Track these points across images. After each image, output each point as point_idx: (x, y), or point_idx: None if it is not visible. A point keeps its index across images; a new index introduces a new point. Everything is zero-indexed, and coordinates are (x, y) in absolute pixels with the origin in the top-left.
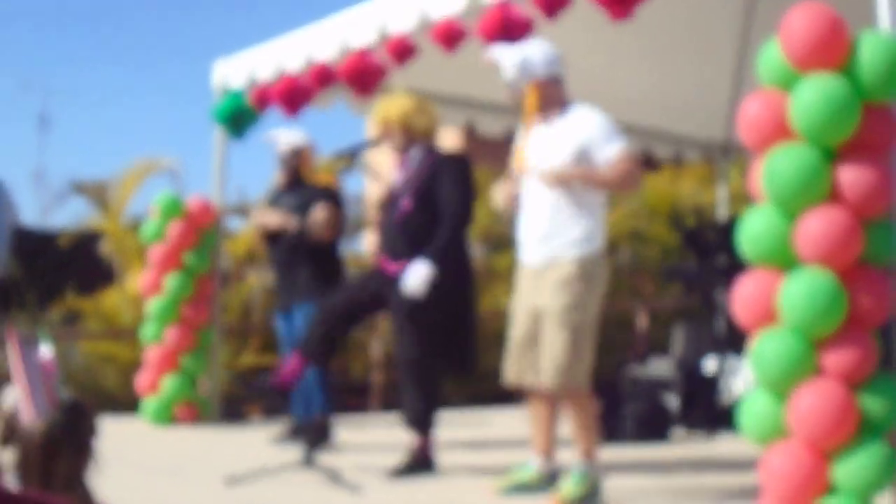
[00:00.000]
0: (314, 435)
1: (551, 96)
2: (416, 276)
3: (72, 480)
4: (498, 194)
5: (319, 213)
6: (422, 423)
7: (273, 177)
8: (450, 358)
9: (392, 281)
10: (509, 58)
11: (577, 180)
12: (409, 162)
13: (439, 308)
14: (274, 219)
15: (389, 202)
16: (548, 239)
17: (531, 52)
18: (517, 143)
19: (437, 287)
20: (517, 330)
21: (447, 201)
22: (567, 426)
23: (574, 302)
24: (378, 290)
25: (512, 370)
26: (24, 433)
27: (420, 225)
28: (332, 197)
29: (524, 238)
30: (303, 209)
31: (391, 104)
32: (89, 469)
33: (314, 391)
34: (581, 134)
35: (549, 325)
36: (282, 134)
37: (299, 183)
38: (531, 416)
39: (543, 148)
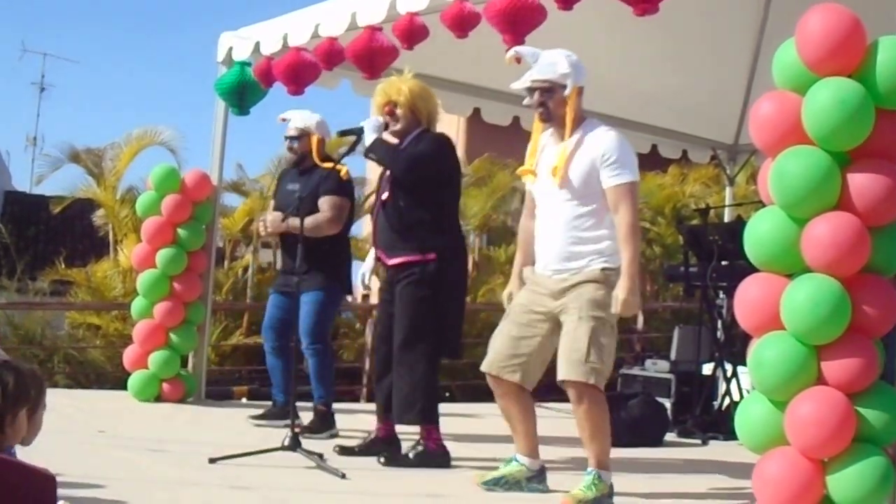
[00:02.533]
0: (317, 424)
1: (580, 106)
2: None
3: None
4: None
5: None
6: (431, 413)
7: (283, 156)
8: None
9: (394, 273)
10: (554, 57)
11: (636, 290)
12: (404, 146)
13: (440, 296)
14: (278, 227)
15: (378, 190)
16: (570, 251)
17: (574, 57)
18: (535, 147)
19: (438, 277)
20: (513, 324)
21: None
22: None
23: (599, 300)
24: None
25: (495, 362)
26: None
27: (401, 211)
28: (340, 189)
29: (541, 247)
30: (308, 197)
31: (400, 86)
32: (5, 434)
33: (314, 381)
34: (593, 152)
35: (571, 318)
36: (296, 115)
37: (308, 167)
38: (506, 417)
39: (557, 161)
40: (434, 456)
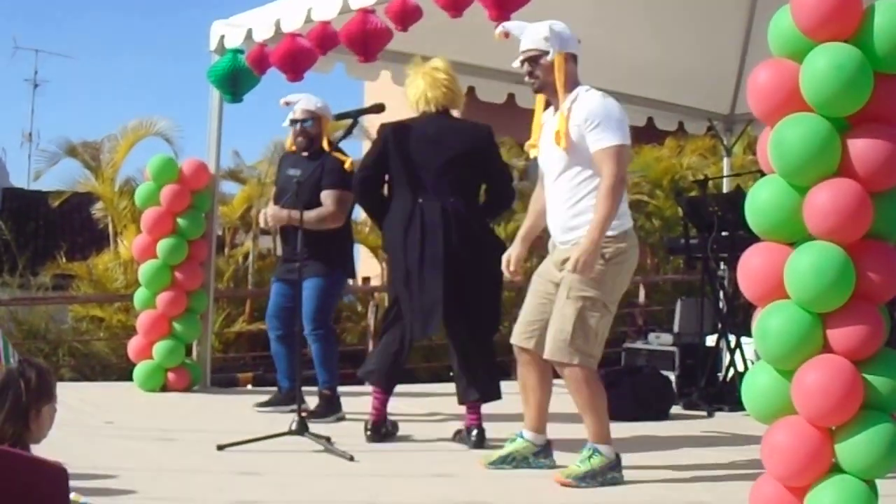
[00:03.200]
0: (322, 408)
1: (572, 74)
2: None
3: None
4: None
5: (314, 216)
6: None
7: (280, 142)
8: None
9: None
10: (533, 26)
11: (595, 252)
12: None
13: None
14: (281, 220)
15: None
16: (569, 223)
17: (555, 23)
18: (538, 121)
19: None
20: (531, 294)
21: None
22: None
23: (590, 277)
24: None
25: (516, 332)
26: None
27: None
28: (343, 182)
29: (549, 218)
30: (308, 183)
31: (451, 82)
32: (27, 434)
33: (318, 366)
34: (579, 116)
35: (561, 296)
36: (303, 98)
37: (314, 152)
38: (521, 386)
39: (551, 131)
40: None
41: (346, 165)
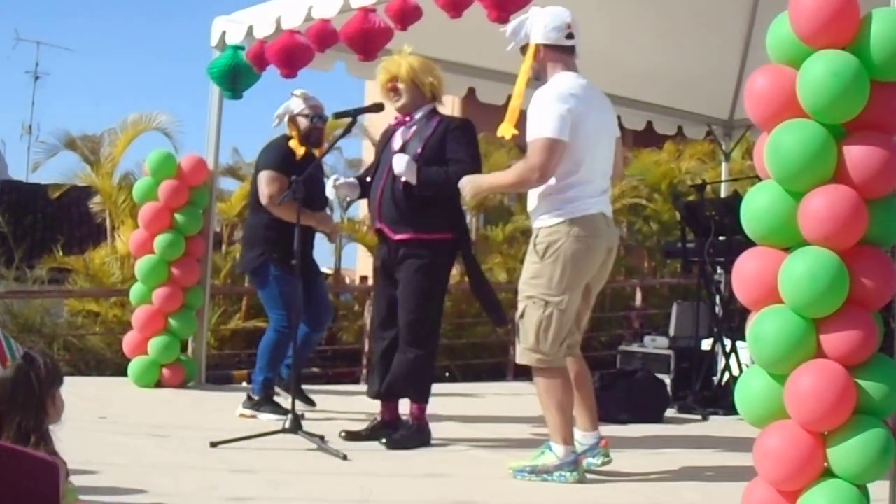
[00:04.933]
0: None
1: (554, 61)
2: (401, 161)
3: (24, 431)
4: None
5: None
6: (424, 390)
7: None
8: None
9: (398, 248)
10: (519, 18)
11: (487, 192)
12: (414, 123)
13: (445, 274)
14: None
15: (389, 164)
16: (533, 210)
17: (535, 15)
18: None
19: (451, 255)
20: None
21: (457, 159)
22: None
23: (532, 273)
24: (389, 270)
25: None
26: None
27: (413, 190)
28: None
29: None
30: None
31: (400, 62)
32: (47, 420)
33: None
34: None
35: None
36: (311, 98)
37: (305, 153)
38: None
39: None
40: (425, 431)
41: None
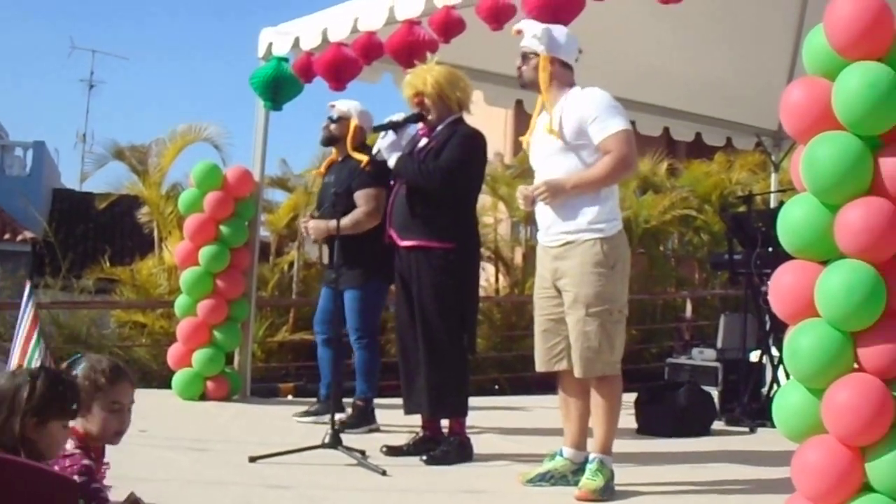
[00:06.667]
0: (354, 418)
1: (560, 76)
2: (385, 141)
3: (18, 438)
4: (518, 198)
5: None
6: (457, 405)
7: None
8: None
9: (408, 256)
10: (532, 25)
11: (571, 192)
12: (437, 134)
13: (463, 287)
14: (321, 233)
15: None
16: (564, 219)
17: (555, 28)
18: (534, 117)
19: (458, 266)
20: (540, 316)
21: (442, 158)
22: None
23: (600, 289)
24: (403, 276)
25: (542, 358)
26: None
27: (426, 196)
28: (373, 180)
29: (540, 218)
30: (343, 193)
31: (426, 77)
32: (33, 441)
33: (358, 375)
34: (578, 111)
35: (577, 313)
36: (342, 101)
37: (343, 156)
38: (561, 404)
39: (546, 130)
40: (466, 447)
41: (363, 164)
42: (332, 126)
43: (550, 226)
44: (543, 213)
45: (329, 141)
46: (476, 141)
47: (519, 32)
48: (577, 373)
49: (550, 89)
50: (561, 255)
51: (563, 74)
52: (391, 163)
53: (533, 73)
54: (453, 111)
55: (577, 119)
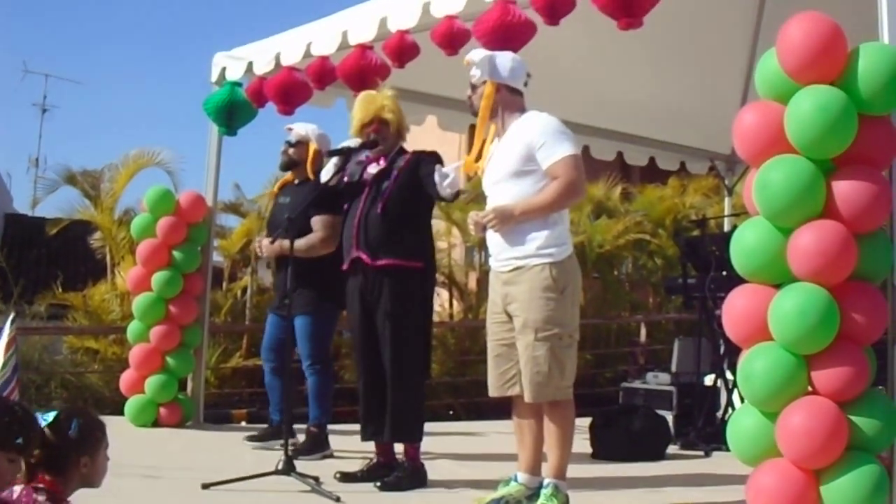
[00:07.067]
0: (308, 445)
1: (508, 102)
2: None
3: None
4: (469, 224)
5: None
6: (413, 430)
7: (280, 176)
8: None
9: (376, 277)
10: (477, 54)
11: (519, 218)
12: (390, 160)
13: (427, 306)
14: (272, 250)
15: (363, 194)
16: (513, 245)
17: (500, 55)
18: (474, 145)
19: (425, 285)
20: (493, 341)
21: (430, 171)
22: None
23: (549, 313)
24: (366, 298)
25: (494, 383)
26: None
27: (399, 217)
28: (332, 207)
29: (491, 244)
30: (299, 215)
31: (383, 102)
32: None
33: (311, 401)
34: (526, 137)
35: (526, 338)
36: (300, 124)
37: (302, 179)
38: (515, 429)
39: (497, 155)
40: (420, 472)
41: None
42: (291, 150)
43: (500, 251)
44: (494, 239)
45: (288, 165)
46: (440, 160)
47: (468, 63)
48: (527, 397)
49: (500, 116)
50: (511, 281)
51: (512, 101)
52: (445, 194)
53: (479, 101)
54: (402, 139)
55: (525, 145)
